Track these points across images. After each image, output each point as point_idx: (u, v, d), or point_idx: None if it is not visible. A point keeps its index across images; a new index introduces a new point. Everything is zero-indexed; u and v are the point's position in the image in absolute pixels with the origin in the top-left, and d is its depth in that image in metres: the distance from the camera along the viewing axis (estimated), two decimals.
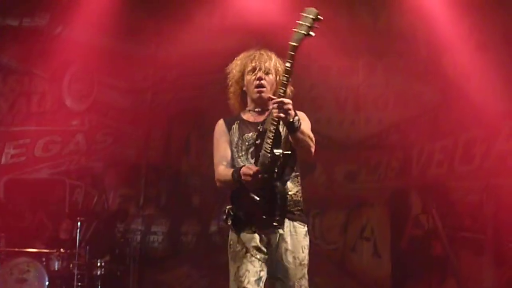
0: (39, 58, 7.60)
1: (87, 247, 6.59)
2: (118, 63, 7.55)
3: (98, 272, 6.54)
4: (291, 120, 3.64)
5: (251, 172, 3.69)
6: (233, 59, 4.07)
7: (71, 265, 6.48)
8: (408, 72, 7.31)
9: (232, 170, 3.85)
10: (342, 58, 7.37)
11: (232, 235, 3.89)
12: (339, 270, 7.28)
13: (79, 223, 6.56)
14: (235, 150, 3.98)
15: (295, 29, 3.62)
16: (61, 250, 6.51)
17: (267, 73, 3.98)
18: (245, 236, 3.83)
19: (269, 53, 4.07)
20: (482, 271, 6.72)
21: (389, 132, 7.40)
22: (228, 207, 3.86)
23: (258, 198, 3.74)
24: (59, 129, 7.73)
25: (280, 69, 3.99)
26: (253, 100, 4.03)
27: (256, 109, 4.04)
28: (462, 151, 7.20)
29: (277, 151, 3.71)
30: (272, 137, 3.69)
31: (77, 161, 7.68)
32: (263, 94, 3.96)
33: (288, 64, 3.62)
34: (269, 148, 3.69)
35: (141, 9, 7.57)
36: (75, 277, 6.41)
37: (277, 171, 3.74)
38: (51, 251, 6.53)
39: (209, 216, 7.45)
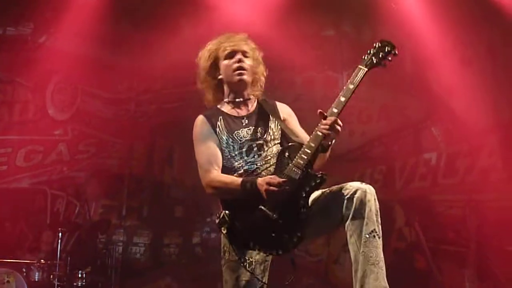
0: (23, 67, 7.58)
1: (68, 258, 6.54)
2: (102, 73, 7.56)
3: (79, 284, 6.49)
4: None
5: (276, 182, 3.42)
6: (200, 74, 3.87)
7: (51, 276, 6.42)
8: (393, 86, 7.39)
9: (239, 179, 3.56)
10: (327, 70, 7.44)
11: (225, 241, 3.63)
12: (323, 282, 7.30)
13: (60, 234, 6.52)
14: (226, 150, 3.72)
15: (367, 55, 3.52)
16: (42, 260, 6.47)
17: (246, 56, 3.78)
18: (241, 248, 3.55)
19: (241, 35, 3.86)
20: (465, 284, 6.77)
21: (373, 145, 7.46)
22: (223, 212, 3.56)
23: (274, 215, 3.43)
24: (42, 139, 7.70)
25: (257, 54, 3.81)
26: (232, 88, 3.80)
27: (237, 99, 3.82)
28: (445, 165, 7.27)
29: (320, 174, 3.44)
30: (310, 154, 3.45)
31: (59, 171, 7.65)
32: (244, 77, 3.75)
33: (351, 86, 3.49)
34: (303, 164, 3.45)
35: (126, 19, 7.60)
36: None
37: (308, 190, 3.46)
38: (32, 261, 6.48)
39: (192, 228, 7.45)
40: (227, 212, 3.54)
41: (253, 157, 3.69)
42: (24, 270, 6.43)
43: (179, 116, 7.53)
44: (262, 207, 3.46)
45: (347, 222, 3.39)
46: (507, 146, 6.34)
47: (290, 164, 3.50)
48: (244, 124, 3.73)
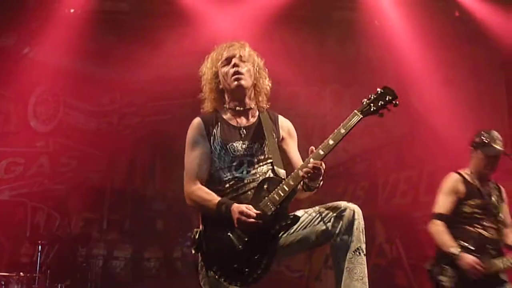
0: (5, 78, 7.54)
1: (48, 271, 6.49)
2: (85, 86, 7.55)
3: None
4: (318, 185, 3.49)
5: (250, 214, 3.42)
6: (203, 85, 3.82)
7: None
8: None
9: (217, 198, 3.55)
10: (311, 86, 7.50)
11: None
12: None
13: (40, 246, 6.48)
14: (216, 160, 3.68)
15: (366, 100, 3.48)
16: (21, 273, 6.40)
17: (243, 61, 3.73)
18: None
19: (241, 42, 3.83)
20: None
21: (355, 161, 7.51)
22: (198, 229, 3.58)
23: (240, 246, 3.45)
24: (23, 151, 7.66)
25: (256, 59, 3.77)
26: (231, 95, 3.75)
27: (237, 108, 3.77)
28: (427, 182, 7.33)
29: (292, 215, 3.48)
30: (287, 192, 3.46)
31: (40, 183, 7.60)
32: (242, 82, 3.70)
33: (342, 131, 3.47)
34: (278, 201, 3.47)
35: (110, 32, 7.61)
36: None
37: (278, 228, 3.49)
38: (11, 274, 6.40)
39: (173, 242, 7.42)
40: (200, 229, 3.55)
41: (242, 172, 3.66)
42: (2, 283, 6.36)
43: (162, 130, 7.55)
44: (230, 235, 3.48)
45: (333, 239, 3.44)
46: None
47: (266, 198, 3.51)
48: (241, 135, 3.70)
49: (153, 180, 7.64)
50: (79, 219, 7.57)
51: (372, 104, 3.48)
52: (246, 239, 3.46)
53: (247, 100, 3.79)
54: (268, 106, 3.88)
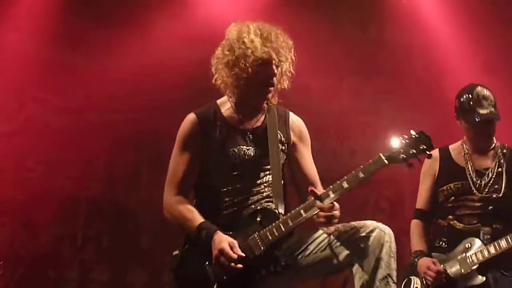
0: None
1: None
2: (56, 77, 7.57)
3: None
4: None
5: (234, 256, 3.49)
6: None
7: None
8: (402, 97, 7.47)
9: (199, 220, 3.64)
10: (324, 77, 7.52)
11: None
12: None
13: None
14: (213, 168, 3.76)
15: (394, 146, 3.55)
16: None
17: (277, 66, 3.81)
18: None
19: (278, 30, 3.88)
20: None
21: None
22: (176, 253, 3.74)
23: (215, 284, 3.55)
24: None
25: (289, 58, 3.85)
26: (248, 99, 3.84)
27: (246, 109, 3.85)
28: None
29: (284, 261, 3.57)
30: (283, 233, 3.55)
31: (2, 192, 7.59)
32: (269, 95, 3.81)
33: (361, 175, 3.52)
34: (270, 241, 3.56)
35: (86, 14, 7.63)
36: None
37: (263, 274, 3.58)
38: None
39: (161, 263, 7.38)
40: (183, 250, 3.71)
41: (245, 183, 3.74)
42: None
43: (148, 129, 7.56)
44: (208, 267, 3.58)
45: (357, 264, 3.53)
46: None
47: (257, 233, 3.59)
48: (247, 141, 3.77)
49: (138, 189, 7.70)
50: (48, 234, 7.57)
51: (402, 151, 3.54)
52: (224, 278, 3.55)
53: (262, 103, 3.90)
54: (276, 102, 3.99)
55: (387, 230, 3.57)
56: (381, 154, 3.57)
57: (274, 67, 3.79)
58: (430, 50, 7.39)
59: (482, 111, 4.71)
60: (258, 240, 3.57)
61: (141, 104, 7.65)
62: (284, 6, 7.31)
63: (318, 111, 7.37)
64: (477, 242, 4.64)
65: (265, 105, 3.94)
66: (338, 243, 3.60)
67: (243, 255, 3.53)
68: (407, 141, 3.57)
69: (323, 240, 3.66)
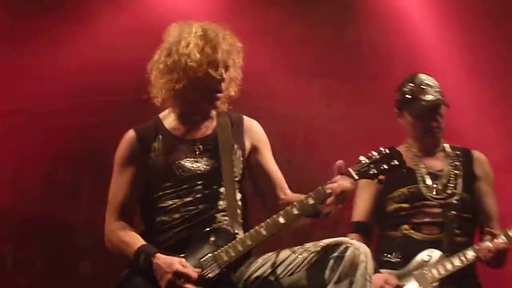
0: None
1: None
2: None
3: None
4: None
5: (194, 276, 3.51)
6: (149, 75, 3.90)
7: None
8: (381, 101, 7.46)
9: (138, 243, 3.66)
10: (293, 80, 7.52)
11: None
12: None
13: None
14: (159, 185, 3.77)
15: (365, 159, 3.63)
16: None
17: (227, 70, 3.85)
18: None
19: (224, 32, 3.89)
20: None
21: None
22: (126, 272, 3.72)
23: None
24: None
25: (237, 61, 3.88)
26: (194, 109, 3.88)
27: (194, 117, 3.89)
28: None
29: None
30: (240, 253, 3.58)
31: None
32: (218, 102, 3.85)
33: (329, 191, 3.58)
34: (226, 262, 3.58)
35: (17, 3, 7.55)
36: None
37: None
38: None
39: None
40: (125, 274, 3.70)
41: (196, 197, 3.73)
42: None
43: (91, 136, 7.49)
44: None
45: (325, 285, 3.46)
46: None
47: (210, 255, 3.59)
48: (195, 151, 3.77)
49: (77, 204, 7.65)
50: None
51: (372, 166, 3.62)
52: None
53: (210, 111, 3.91)
54: (226, 108, 4.00)
55: (363, 248, 3.53)
56: (350, 169, 3.64)
57: (221, 71, 3.81)
58: (411, 52, 7.42)
59: (429, 97, 4.71)
60: (212, 262, 3.56)
61: (82, 107, 7.59)
62: (248, 0, 7.32)
63: (286, 116, 7.39)
64: (437, 254, 4.55)
65: (213, 112, 3.97)
66: (308, 265, 3.56)
67: (200, 272, 3.53)
68: (378, 156, 3.65)
69: (291, 262, 3.61)
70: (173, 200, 3.73)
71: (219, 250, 3.59)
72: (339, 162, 3.69)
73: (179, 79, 3.77)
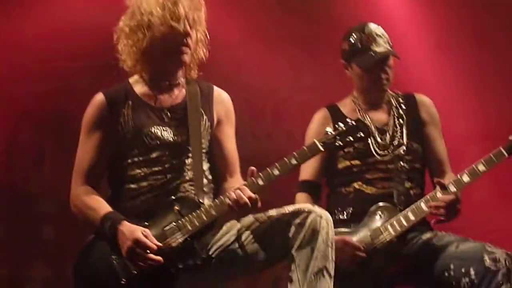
0: None
1: None
2: None
3: None
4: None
5: (154, 247, 3.51)
6: (121, 35, 3.88)
7: None
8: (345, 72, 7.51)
9: (104, 209, 3.66)
10: (260, 49, 7.50)
11: None
12: None
13: None
14: (127, 152, 3.77)
15: (331, 131, 3.65)
16: None
17: (191, 28, 3.81)
18: None
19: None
20: None
21: None
22: (91, 237, 3.72)
23: (122, 280, 3.56)
24: None
25: (203, 22, 3.87)
26: (162, 68, 3.86)
27: (162, 82, 3.88)
28: None
29: (204, 253, 3.61)
30: (204, 222, 3.58)
31: None
32: (185, 58, 3.82)
33: (294, 162, 3.61)
34: (190, 231, 3.58)
35: None
36: None
37: (181, 267, 3.60)
38: None
39: (66, 256, 7.25)
40: (88, 241, 3.71)
41: (164, 166, 3.73)
42: None
43: (54, 102, 7.42)
44: (114, 260, 3.59)
45: (290, 254, 3.49)
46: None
47: (174, 224, 3.60)
48: (164, 120, 3.76)
49: (40, 170, 7.60)
50: None
51: (338, 137, 3.65)
52: (134, 272, 3.55)
53: (179, 72, 3.89)
54: (197, 74, 4.01)
55: (324, 214, 3.58)
56: (315, 140, 3.65)
57: (185, 24, 3.78)
58: (380, 23, 7.42)
59: (379, 49, 4.59)
60: (176, 231, 3.58)
61: (45, 73, 7.46)
62: None
63: (252, 87, 7.38)
64: (391, 209, 4.45)
65: (182, 79, 3.95)
66: (270, 234, 3.61)
67: (161, 245, 3.53)
68: (343, 128, 3.68)
69: (254, 230, 3.66)
70: (142, 169, 3.72)
71: (183, 219, 3.59)
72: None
73: (144, 38, 3.76)
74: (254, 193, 3.56)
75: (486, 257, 4.08)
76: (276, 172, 3.60)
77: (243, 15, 7.26)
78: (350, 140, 3.65)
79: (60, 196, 6.70)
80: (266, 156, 7.24)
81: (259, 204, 3.60)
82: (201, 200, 3.71)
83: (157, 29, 3.74)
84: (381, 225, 4.39)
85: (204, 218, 3.57)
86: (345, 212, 4.52)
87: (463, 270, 4.13)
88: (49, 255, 7.45)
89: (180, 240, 3.54)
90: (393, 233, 4.35)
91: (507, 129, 4.50)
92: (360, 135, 3.67)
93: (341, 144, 3.65)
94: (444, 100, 7.18)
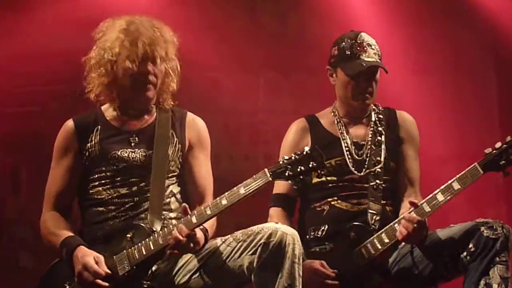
0: None
1: None
2: None
3: None
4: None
5: (101, 272, 3.53)
6: (88, 66, 3.92)
7: None
8: (324, 95, 7.50)
9: (64, 235, 3.68)
10: (237, 72, 7.52)
11: None
12: None
13: None
14: (96, 176, 3.78)
15: (284, 159, 3.57)
16: None
17: (154, 62, 3.84)
18: None
19: (157, 25, 3.90)
20: None
21: None
22: (53, 263, 3.78)
23: None
24: None
25: (170, 50, 3.88)
26: (129, 101, 3.89)
27: (130, 111, 3.91)
28: None
29: (147, 283, 3.60)
30: (151, 251, 3.56)
31: None
32: (150, 95, 3.85)
33: (242, 191, 3.54)
34: (136, 260, 3.57)
35: None
36: None
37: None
38: None
39: None
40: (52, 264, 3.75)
41: (131, 189, 3.75)
42: None
43: (29, 126, 7.44)
44: (67, 285, 3.65)
45: (254, 272, 3.50)
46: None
47: (124, 251, 3.61)
48: (132, 143, 3.79)
49: (15, 196, 7.58)
50: None
51: (289, 167, 3.56)
52: None
53: (147, 104, 3.93)
54: (172, 104, 4.05)
55: (290, 231, 3.56)
56: (266, 169, 3.60)
57: (147, 65, 3.81)
58: None
59: (368, 59, 4.52)
60: (124, 259, 3.59)
61: (20, 96, 7.49)
62: None
63: (230, 109, 7.40)
64: (364, 229, 4.35)
65: (153, 105, 3.99)
66: (237, 254, 3.60)
67: (110, 272, 3.54)
68: (297, 157, 3.60)
69: (221, 253, 3.65)
70: (108, 191, 3.75)
71: (133, 247, 3.60)
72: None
73: (107, 73, 3.82)
74: (191, 231, 3.54)
75: (483, 228, 4.04)
76: (224, 201, 3.55)
77: (221, 38, 7.29)
78: (301, 170, 3.57)
79: (35, 221, 6.71)
80: (243, 177, 7.30)
81: (200, 241, 3.58)
82: (155, 228, 3.70)
83: (120, 65, 3.79)
84: (357, 250, 4.29)
85: (152, 247, 3.57)
86: (319, 230, 4.42)
87: (460, 250, 4.07)
88: (25, 282, 7.31)
89: (126, 269, 3.54)
90: (366, 256, 4.25)
91: (483, 149, 4.51)
92: (312, 165, 3.58)
93: (291, 174, 3.56)
94: (422, 120, 7.19)
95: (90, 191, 3.79)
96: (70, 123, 3.89)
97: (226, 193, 3.59)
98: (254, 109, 7.67)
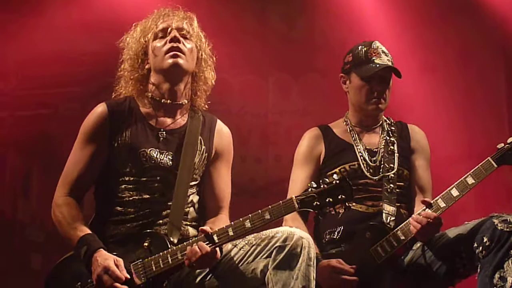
0: None
1: None
2: None
3: None
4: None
5: (122, 278, 3.46)
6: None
7: None
8: (333, 96, 7.51)
9: (84, 231, 3.57)
10: (247, 74, 7.53)
11: None
12: None
13: None
14: (119, 170, 3.68)
15: (313, 188, 3.50)
16: None
17: (185, 37, 3.79)
18: None
19: (188, 13, 3.90)
20: None
21: None
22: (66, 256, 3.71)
23: None
24: None
25: (203, 39, 3.85)
26: (161, 77, 3.78)
27: (163, 100, 3.79)
28: None
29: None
30: (168, 265, 3.51)
31: None
32: (180, 61, 3.74)
33: (268, 217, 3.49)
34: (153, 272, 3.52)
35: None
36: None
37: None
38: None
39: None
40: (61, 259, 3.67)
41: (154, 195, 3.66)
42: None
43: (41, 129, 7.44)
44: (79, 287, 3.56)
45: (268, 274, 3.46)
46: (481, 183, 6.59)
47: (141, 260, 3.54)
48: (160, 139, 3.69)
49: (27, 199, 7.58)
50: None
51: (317, 196, 3.50)
52: None
53: (180, 89, 3.80)
54: (206, 107, 3.99)
55: (304, 235, 3.54)
56: (293, 197, 3.54)
57: (174, 31, 3.77)
58: None
59: (382, 62, 4.57)
60: (141, 269, 3.53)
61: (32, 99, 7.51)
62: None
63: (239, 111, 7.39)
64: (380, 228, 4.38)
65: (186, 101, 3.89)
66: (251, 258, 3.57)
67: (129, 277, 3.49)
68: (326, 186, 3.54)
69: (233, 256, 3.62)
70: (131, 192, 3.66)
71: (150, 258, 3.55)
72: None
73: (143, 59, 3.79)
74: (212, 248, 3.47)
75: (497, 222, 4.03)
76: (248, 224, 3.49)
77: (231, 40, 7.29)
78: (330, 201, 3.50)
79: (46, 223, 6.72)
80: (253, 179, 7.30)
81: (218, 256, 3.52)
82: (173, 239, 3.66)
83: (151, 36, 3.77)
84: (372, 249, 4.31)
85: (170, 261, 3.51)
86: (335, 232, 4.45)
87: (475, 244, 4.07)
88: (37, 284, 7.35)
89: (143, 280, 3.49)
90: (383, 254, 4.28)
91: (493, 149, 4.51)
92: (342, 197, 3.51)
93: (319, 204, 3.50)
94: (430, 120, 7.22)
95: (112, 186, 3.69)
96: (103, 107, 3.75)
97: (250, 215, 3.55)
98: (263, 110, 7.67)
